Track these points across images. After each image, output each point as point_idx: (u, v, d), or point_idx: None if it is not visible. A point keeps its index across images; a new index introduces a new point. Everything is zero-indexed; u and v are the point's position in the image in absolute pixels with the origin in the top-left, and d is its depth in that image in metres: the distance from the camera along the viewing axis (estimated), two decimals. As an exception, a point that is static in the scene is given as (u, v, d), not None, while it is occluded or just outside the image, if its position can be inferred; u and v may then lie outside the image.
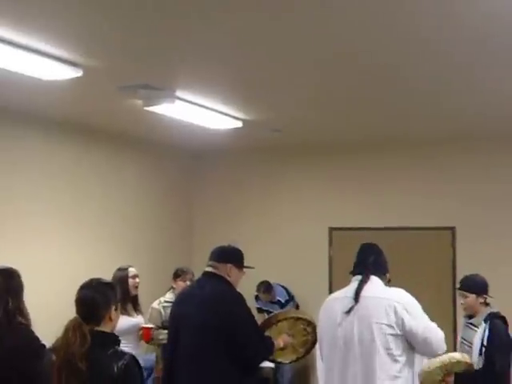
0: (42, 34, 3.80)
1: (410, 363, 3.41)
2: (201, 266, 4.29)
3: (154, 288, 6.00)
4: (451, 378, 4.02)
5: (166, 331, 5.01)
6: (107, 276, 4.68)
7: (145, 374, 4.71)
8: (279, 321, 4.28)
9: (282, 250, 7.86)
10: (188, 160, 8.35)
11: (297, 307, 7.41)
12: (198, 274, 4.35)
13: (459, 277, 4.64)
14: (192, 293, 4.11)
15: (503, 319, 4.24)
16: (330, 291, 6.48)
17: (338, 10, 3.43)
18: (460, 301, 4.45)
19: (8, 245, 5.76)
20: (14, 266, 3.42)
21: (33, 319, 3.32)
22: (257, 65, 4.45)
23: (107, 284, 2.93)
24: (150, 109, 5.40)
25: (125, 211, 7.29)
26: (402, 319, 3.31)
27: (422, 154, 7.29)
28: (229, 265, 3.98)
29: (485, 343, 4.08)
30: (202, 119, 6.01)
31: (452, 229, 7.13)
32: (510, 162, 6.92)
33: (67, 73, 4.42)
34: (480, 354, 4.07)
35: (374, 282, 3.50)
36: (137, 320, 5.15)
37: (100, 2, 3.38)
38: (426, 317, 3.44)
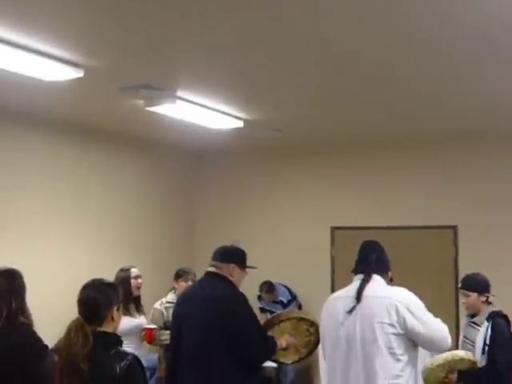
0: (42, 35, 3.80)
1: (412, 362, 3.40)
2: (203, 266, 4.29)
3: (155, 288, 6.01)
4: (454, 376, 4.02)
5: (168, 332, 5.01)
6: (109, 276, 4.68)
7: (147, 374, 4.71)
8: (282, 321, 4.27)
9: (283, 250, 7.86)
10: (189, 160, 8.35)
11: (299, 307, 7.40)
12: (200, 274, 4.35)
13: (461, 275, 4.64)
14: (194, 293, 4.11)
15: (505, 318, 4.23)
16: (332, 290, 6.47)
17: (339, 10, 3.43)
18: (462, 300, 4.45)
19: (9, 245, 5.77)
20: (15, 267, 3.42)
21: (35, 320, 3.32)
22: (257, 64, 4.46)
23: (109, 284, 2.93)
24: (151, 109, 5.41)
25: (126, 211, 7.29)
26: (404, 318, 3.31)
27: (424, 154, 7.29)
28: (232, 265, 3.98)
29: (487, 342, 4.08)
30: (203, 119, 6.01)
31: (454, 228, 7.13)
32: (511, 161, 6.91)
33: (68, 73, 4.42)
34: (483, 352, 4.07)
35: (376, 281, 3.50)
36: (139, 321, 5.15)
37: (100, 2, 3.38)
38: (430, 314, 3.44)
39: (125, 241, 7.15)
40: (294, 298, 7.56)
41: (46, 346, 3.09)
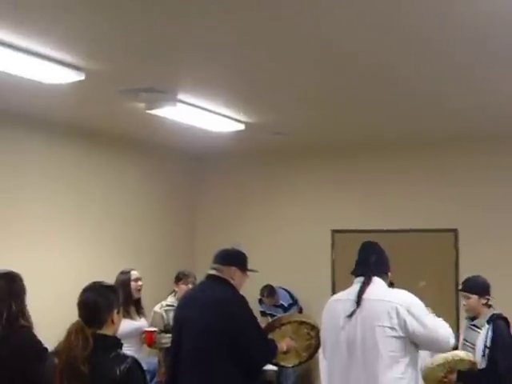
0: (42, 38, 3.81)
1: (413, 364, 3.39)
2: (203, 268, 4.28)
3: (156, 291, 6.00)
4: (453, 376, 4.02)
5: (168, 335, 5.01)
6: (109, 279, 4.68)
7: (147, 377, 4.70)
8: (283, 324, 4.26)
9: (284, 253, 7.85)
10: (190, 163, 8.35)
11: (300, 311, 7.39)
12: (200, 277, 4.34)
13: (462, 279, 4.63)
14: (195, 296, 4.10)
15: (506, 320, 4.23)
16: (333, 293, 6.43)
17: (339, 10, 3.42)
18: (462, 302, 4.44)
19: (9, 248, 5.77)
20: (15, 270, 3.42)
21: (35, 322, 3.33)
22: (257, 65, 4.45)
23: (109, 287, 2.93)
24: (152, 112, 5.41)
25: (127, 214, 7.29)
26: (405, 320, 3.30)
27: (425, 157, 7.28)
28: (233, 268, 3.98)
29: (488, 344, 4.07)
30: (204, 122, 6.01)
31: (454, 231, 7.12)
32: (512, 163, 6.92)
33: (70, 76, 4.43)
34: (483, 355, 4.06)
35: (377, 284, 3.49)
36: (139, 323, 5.14)
37: (100, 6, 3.38)
38: (431, 316, 3.43)
39: (125, 243, 7.15)
40: (294, 301, 7.54)
41: (46, 349, 3.09)
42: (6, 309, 3.20)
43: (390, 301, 3.36)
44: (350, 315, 3.40)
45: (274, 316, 5.94)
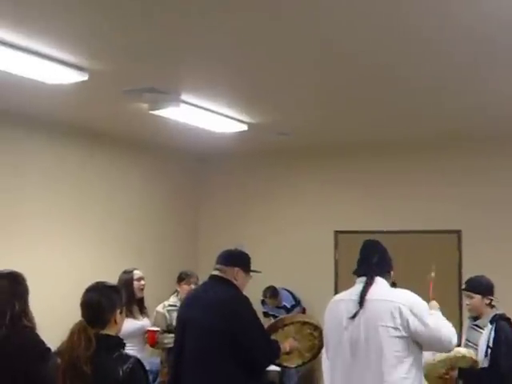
0: (43, 37, 3.82)
1: (417, 363, 3.39)
2: (206, 269, 4.29)
3: (159, 291, 6.00)
4: (454, 373, 4.03)
5: (170, 335, 5.02)
6: (112, 279, 4.69)
7: (150, 377, 4.70)
8: (286, 325, 4.26)
9: (287, 254, 7.85)
10: (193, 163, 8.36)
11: (303, 311, 7.39)
12: (203, 278, 4.35)
13: (465, 280, 4.62)
14: (198, 296, 4.10)
15: (509, 321, 4.22)
16: (336, 294, 6.45)
17: (339, 10, 3.43)
18: (465, 301, 4.43)
19: (12, 248, 5.79)
20: (18, 270, 3.42)
21: (38, 323, 3.32)
22: (257, 65, 4.46)
23: (112, 287, 2.94)
24: (156, 112, 5.42)
25: (130, 215, 7.30)
26: (407, 320, 3.30)
27: (427, 158, 7.27)
28: (236, 268, 3.98)
29: (490, 344, 4.07)
30: (207, 123, 6.03)
31: (458, 232, 7.10)
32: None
33: (73, 76, 4.44)
34: (486, 355, 4.06)
35: (379, 284, 3.48)
36: (142, 323, 5.15)
37: (102, 5, 3.39)
38: (434, 315, 3.43)
39: (128, 243, 7.17)
40: (297, 302, 7.54)
41: (49, 349, 3.09)
42: (10, 309, 3.20)
43: (393, 301, 3.35)
44: (353, 316, 3.40)
45: (277, 317, 5.93)
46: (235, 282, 3.97)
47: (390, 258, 3.65)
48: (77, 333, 2.69)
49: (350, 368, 3.41)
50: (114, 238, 7.02)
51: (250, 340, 3.80)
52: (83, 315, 2.78)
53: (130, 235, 7.24)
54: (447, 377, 4.08)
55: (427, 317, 3.36)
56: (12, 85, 4.76)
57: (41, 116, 6.01)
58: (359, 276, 3.57)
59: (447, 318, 3.53)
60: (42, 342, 3.23)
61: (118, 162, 7.20)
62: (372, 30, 3.71)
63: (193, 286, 5.50)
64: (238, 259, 4.06)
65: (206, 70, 4.59)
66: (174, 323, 4.94)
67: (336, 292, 7.16)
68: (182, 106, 5.30)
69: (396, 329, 3.30)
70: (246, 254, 4.14)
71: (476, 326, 4.28)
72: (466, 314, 4.89)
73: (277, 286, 7.47)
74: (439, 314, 3.62)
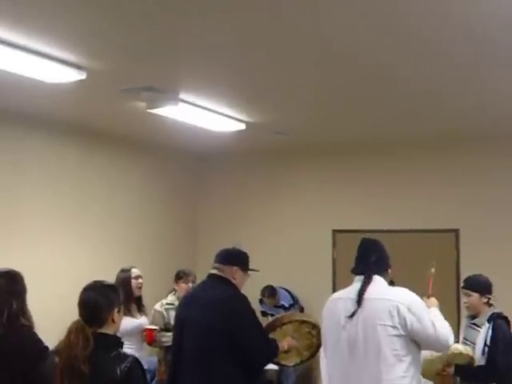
0: (42, 36, 3.82)
1: (416, 362, 3.39)
2: (205, 268, 4.28)
3: (158, 290, 6.00)
4: (451, 369, 4.03)
5: (168, 334, 5.01)
6: (111, 278, 4.68)
7: (148, 376, 4.70)
8: (284, 324, 4.26)
9: (285, 253, 7.85)
10: (192, 162, 8.35)
11: (301, 310, 7.39)
12: (202, 277, 4.34)
13: (463, 278, 4.63)
14: (197, 295, 4.10)
15: (506, 319, 4.23)
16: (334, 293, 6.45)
17: (339, 10, 3.43)
18: (463, 299, 4.44)
19: (11, 247, 5.78)
20: (18, 269, 3.42)
21: (37, 322, 3.33)
22: (257, 65, 4.46)
23: (110, 286, 2.93)
24: (154, 111, 5.41)
25: (128, 213, 7.30)
26: (405, 319, 3.30)
27: (426, 157, 7.27)
28: (234, 267, 3.98)
29: (488, 343, 4.08)
30: (205, 121, 6.02)
31: (456, 231, 7.11)
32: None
33: (71, 75, 4.44)
34: (483, 353, 4.07)
35: (377, 282, 3.48)
36: (140, 321, 5.15)
37: (101, 4, 3.39)
38: (432, 315, 3.43)
39: (127, 242, 7.17)
40: (295, 302, 7.54)
41: (47, 348, 3.09)
42: (7, 308, 3.21)
43: (391, 299, 3.35)
44: (352, 315, 3.40)
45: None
46: (233, 281, 3.96)
47: (387, 256, 3.65)
48: (74, 332, 2.68)
49: (348, 366, 3.41)
50: (112, 237, 7.01)
51: (249, 339, 3.80)
52: (81, 314, 2.78)
53: (129, 234, 7.24)
54: (444, 373, 4.10)
55: (425, 316, 3.36)
56: (11, 84, 4.76)
57: (40, 115, 6.01)
58: (357, 274, 3.57)
59: (445, 317, 3.54)
60: (40, 341, 3.23)
61: (116, 161, 7.20)
62: (372, 29, 3.71)
63: (190, 285, 5.51)
64: (236, 258, 4.06)
65: (205, 70, 4.59)
66: (172, 322, 4.94)
67: (334, 291, 7.14)
68: (181, 104, 5.30)
69: (394, 327, 3.30)
70: (245, 253, 4.14)
71: (473, 324, 4.29)
72: (463, 313, 4.89)
73: (275, 284, 7.47)
74: (437, 312, 3.62)
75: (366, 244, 3.67)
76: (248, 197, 8.20)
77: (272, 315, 6.98)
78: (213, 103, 5.49)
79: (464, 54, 4.15)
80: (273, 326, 4.25)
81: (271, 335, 4.13)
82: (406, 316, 3.30)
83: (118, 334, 2.85)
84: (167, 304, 5.58)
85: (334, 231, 7.71)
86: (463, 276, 4.59)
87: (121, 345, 2.80)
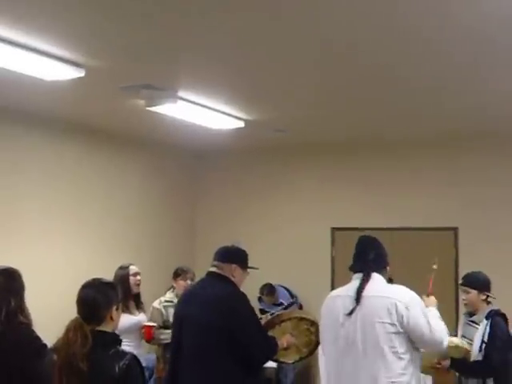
0: (42, 34, 3.81)
1: (414, 359, 3.39)
2: (203, 265, 4.28)
3: (156, 288, 6.00)
4: (446, 362, 4.03)
5: (167, 331, 5.01)
6: (109, 276, 4.68)
7: (147, 374, 4.70)
8: (283, 321, 4.26)
9: (284, 250, 7.86)
10: (190, 160, 8.35)
11: (300, 307, 7.39)
12: (200, 274, 4.35)
13: (461, 276, 4.63)
14: (196, 293, 4.09)
15: (504, 316, 4.24)
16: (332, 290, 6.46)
17: (339, 10, 3.43)
18: (462, 296, 4.45)
19: (9, 245, 5.78)
20: (17, 267, 3.42)
21: (35, 319, 3.32)
22: (257, 64, 4.46)
23: (108, 284, 2.93)
24: (152, 109, 5.41)
25: (127, 211, 7.30)
26: (402, 316, 3.30)
27: (424, 156, 7.28)
28: (233, 265, 3.97)
29: (485, 340, 4.09)
30: (204, 119, 6.02)
31: (454, 229, 7.13)
32: (513, 163, 6.92)
33: (69, 73, 4.43)
34: (480, 350, 4.08)
35: (376, 280, 3.49)
36: (138, 318, 5.14)
37: (100, 3, 3.39)
38: (429, 315, 3.43)
39: (126, 240, 7.17)
40: (294, 300, 7.54)
41: (45, 345, 3.09)
42: (5, 305, 3.20)
43: (389, 297, 3.36)
44: (350, 313, 3.40)
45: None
46: (233, 279, 3.96)
47: (386, 253, 3.65)
48: (73, 329, 2.67)
49: (346, 364, 3.41)
50: (111, 235, 7.01)
51: (248, 337, 3.80)
52: (79, 312, 2.77)
53: (128, 231, 7.24)
54: (439, 366, 4.11)
55: (422, 314, 3.37)
56: (11, 82, 4.76)
57: (40, 113, 6.00)
58: (355, 272, 3.58)
59: (443, 314, 3.54)
60: (38, 339, 3.23)
61: (115, 159, 7.20)
62: (372, 29, 3.71)
63: (189, 282, 5.50)
64: (235, 256, 4.05)
65: (204, 69, 4.58)
66: (171, 319, 4.94)
67: (332, 288, 7.14)
68: (179, 102, 5.30)
69: (393, 325, 3.31)
70: (244, 251, 4.13)
71: (472, 321, 4.30)
72: (462, 310, 4.90)
73: (273, 282, 7.47)
74: (435, 311, 3.62)
75: (364, 241, 3.67)
76: (246, 194, 8.20)
77: (272, 314, 6.98)
78: (211, 101, 5.49)
79: (464, 53, 4.15)
80: (272, 324, 4.26)
81: (270, 333, 4.14)
82: (403, 314, 3.31)
83: (116, 332, 2.85)
84: (165, 301, 5.57)
85: (333, 229, 7.71)
86: (462, 274, 4.60)
87: (119, 342, 2.80)
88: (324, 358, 3.65)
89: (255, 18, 3.55)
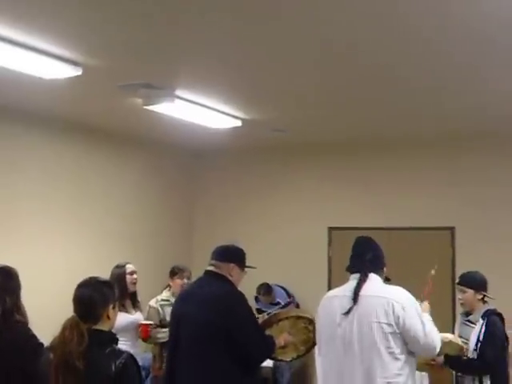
0: (40, 33, 3.81)
1: (411, 360, 3.40)
2: (201, 264, 4.28)
3: (154, 287, 5.98)
4: (440, 358, 4.05)
5: (164, 330, 5.01)
6: (107, 275, 4.68)
7: (143, 373, 4.69)
8: (280, 320, 4.26)
9: (281, 250, 7.85)
10: (188, 159, 8.35)
11: (297, 307, 7.39)
12: (197, 273, 4.34)
13: (458, 275, 4.64)
14: (194, 292, 4.09)
15: (500, 316, 4.25)
16: (329, 291, 6.46)
17: (339, 10, 3.42)
18: (458, 296, 4.45)
19: (7, 244, 5.77)
20: (14, 265, 3.41)
21: (32, 318, 3.32)
22: (257, 64, 4.46)
23: (105, 282, 2.92)
24: (150, 108, 5.40)
25: (125, 210, 7.29)
26: (398, 317, 3.31)
27: (423, 155, 7.29)
28: (231, 264, 3.97)
29: (481, 339, 4.10)
30: (201, 118, 6.01)
31: (451, 229, 7.13)
32: (510, 163, 6.91)
33: (67, 71, 4.42)
34: (475, 349, 4.09)
35: (373, 280, 3.49)
36: (135, 317, 5.13)
37: (100, 2, 3.38)
38: (424, 318, 3.43)
39: (123, 239, 7.16)
40: (291, 299, 7.53)
41: (42, 344, 3.09)
42: (1, 304, 3.21)
43: (386, 297, 3.36)
44: (347, 312, 3.40)
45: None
46: (230, 278, 3.96)
47: (383, 255, 3.65)
48: (69, 328, 2.67)
49: (342, 364, 3.41)
50: (109, 234, 7.01)
51: (245, 336, 3.80)
52: (75, 310, 2.77)
53: (125, 230, 7.24)
54: (433, 363, 4.11)
55: (417, 316, 3.37)
56: (10, 80, 4.75)
57: (39, 112, 6.00)
58: (353, 273, 3.57)
59: (440, 314, 3.54)
60: (35, 337, 3.23)
61: (113, 158, 7.19)
62: (372, 29, 3.71)
63: (185, 281, 5.49)
64: (233, 255, 4.05)
65: (203, 68, 4.58)
66: (167, 318, 4.94)
67: (329, 288, 7.15)
68: (177, 101, 5.29)
69: (389, 325, 3.31)
70: (241, 250, 4.13)
71: (468, 321, 4.31)
72: (458, 310, 4.90)
73: (270, 282, 7.46)
74: (428, 317, 3.62)
75: (361, 242, 3.67)
76: (244, 194, 8.20)
77: (269, 313, 6.97)
78: (209, 100, 5.48)
79: (464, 53, 4.15)
80: (269, 323, 4.26)
81: (268, 331, 4.13)
82: (399, 314, 3.31)
83: (113, 330, 2.85)
84: (162, 300, 5.56)
85: (330, 228, 7.71)
86: (458, 273, 4.61)
87: (116, 341, 2.79)
88: (320, 358, 3.64)
89: (255, 18, 3.55)
